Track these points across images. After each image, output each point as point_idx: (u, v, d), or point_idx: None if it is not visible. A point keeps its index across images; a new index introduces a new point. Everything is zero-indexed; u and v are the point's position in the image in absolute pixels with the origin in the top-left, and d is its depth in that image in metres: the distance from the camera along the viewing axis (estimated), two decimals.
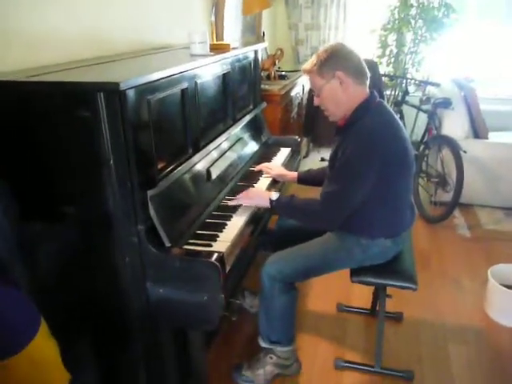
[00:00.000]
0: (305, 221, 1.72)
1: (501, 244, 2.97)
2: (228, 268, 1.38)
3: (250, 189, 1.81)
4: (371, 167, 1.53)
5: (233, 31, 3.29)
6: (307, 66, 1.62)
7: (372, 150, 1.52)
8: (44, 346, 1.20)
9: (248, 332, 2.12)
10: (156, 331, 1.45)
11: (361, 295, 2.38)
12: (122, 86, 1.10)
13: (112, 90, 1.12)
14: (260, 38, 4.05)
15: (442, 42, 4.03)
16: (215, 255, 1.32)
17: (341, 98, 1.58)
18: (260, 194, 1.76)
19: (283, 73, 3.71)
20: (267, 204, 1.70)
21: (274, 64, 3.50)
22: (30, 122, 1.22)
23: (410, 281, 1.70)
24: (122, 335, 1.43)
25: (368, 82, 1.62)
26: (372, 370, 1.89)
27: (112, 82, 1.11)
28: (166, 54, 1.92)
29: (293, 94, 3.57)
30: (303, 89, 4.01)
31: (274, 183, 2.06)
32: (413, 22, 4.04)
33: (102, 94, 1.13)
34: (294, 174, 2.07)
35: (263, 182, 2.00)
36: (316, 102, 1.65)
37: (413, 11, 4.00)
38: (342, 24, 4.55)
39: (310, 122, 3.97)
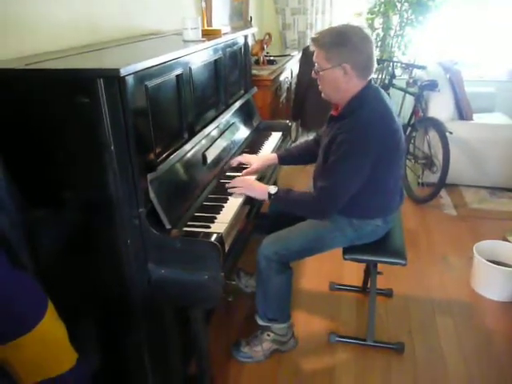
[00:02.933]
0: (301, 214, 1.76)
1: (486, 222, 3.07)
2: (227, 248, 1.43)
3: (249, 179, 1.81)
4: (366, 162, 1.56)
5: (221, 16, 3.29)
6: (318, 38, 1.57)
7: (367, 146, 1.54)
8: (52, 327, 1.24)
9: (244, 311, 2.19)
10: (158, 310, 1.50)
11: (351, 274, 2.46)
12: (122, 72, 1.13)
13: (112, 77, 1.15)
14: (247, 23, 4.05)
15: (428, 24, 4.07)
16: (214, 235, 1.37)
17: (340, 86, 1.58)
18: (259, 187, 1.75)
19: (271, 58, 3.72)
20: (265, 197, 1.72)
21: (263, 49, 3.51)
22: (29, 109, 1.24)
23: (400, 257, 1.78)
24: (125, 315, 1.47)
25: (371, 76, 1.61)
26: (365, 343, 1.98)
27: (112, 68, 1.13)
28: (159, 40, 1.93)
29: (282, 78, 3.59)
30: (291, 73, 4.04)
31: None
32: (399, 5, 4.08)
33: (101, 80, 1.15)
34: (274, 156, 2.05)
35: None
36: (313, 75, 1.63)
37: None
38: (329, 8, 4.56)
39: (299, 107, 4.00)
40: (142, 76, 1.28)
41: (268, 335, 1.90)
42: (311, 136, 2.21)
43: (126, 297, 1.43)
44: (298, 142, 2.43)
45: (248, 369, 1.89)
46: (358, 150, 1.55)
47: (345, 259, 1.81)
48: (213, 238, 1.36)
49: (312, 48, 1.62)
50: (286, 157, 2.05)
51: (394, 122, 1.63)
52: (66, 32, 1.64)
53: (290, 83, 4.02)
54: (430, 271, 2.53)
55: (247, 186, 1.74)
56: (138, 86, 1.27)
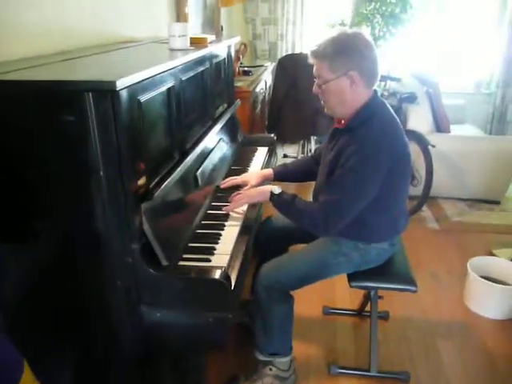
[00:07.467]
0: (300, 224, 1.61)
1: (468, 235, 3.04)
2: (233, 284, 1.26)
3: (245, 190, 1.70)
4: (377, 176, 1.46)
5: (194, 26, 3.13)
6: (318, 50, 1.45)
7: (378, 162, 1.44)
8: None
9: (236, 343, 2.00)
10: (152, 359, 1.30)
11: (344, 296, 2.33)
12: (119, 85, 0.94)
13: (104, 90, 0.96)
14: (219, 33, 3.90)
15: (401, 37, 4.08)
16: (219, 271, 1.19)
17: (346, 98, 1.47)
18: (258, 190, 1.67)
19: (245, 68, 3.59)
20: (267, 197, 1.60)
21: (238, 59, 3.38)
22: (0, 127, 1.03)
23: (410, 283, 1.67)
24: (114, 368, 1.26)
25: (376, 85, 1.52)
26: (368, 374, 1.84)
27: (106, 80, 0.94)
28: (141, 48, 1.74)
29: (257, 90, 3.47)
30: (266, 84, 3.92)
31: None
32: (371, 17, 4.07)
33: (90, 94, 0.96)
34: (270, 172, 1.90)
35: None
36: (315, 90, 1.52)
37: (371, 6, 4.02)
38: (300, 19, 4.50)
39: (275, 119, 3.88)
40: (135, 89, 1.09)
41: (270, 369, 1.72)
42: (287, 149, 2.08)
43: (115, 348, 1.23)
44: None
45: None
46: (369, 162, 1.43)
47: (351, 287, 1.68)
48: (217, 275, 1.18)
49: (311, 61, 1.51)
50: (282, 172, 1.90)
51: (404, 137, 1.53)
52: (36, 37, 1.42)
53: (265, 95, 3.90)
54: (422, 290, 2.38)
55: (246, 195, 1.64)
56: (131, 101, 1.08)
